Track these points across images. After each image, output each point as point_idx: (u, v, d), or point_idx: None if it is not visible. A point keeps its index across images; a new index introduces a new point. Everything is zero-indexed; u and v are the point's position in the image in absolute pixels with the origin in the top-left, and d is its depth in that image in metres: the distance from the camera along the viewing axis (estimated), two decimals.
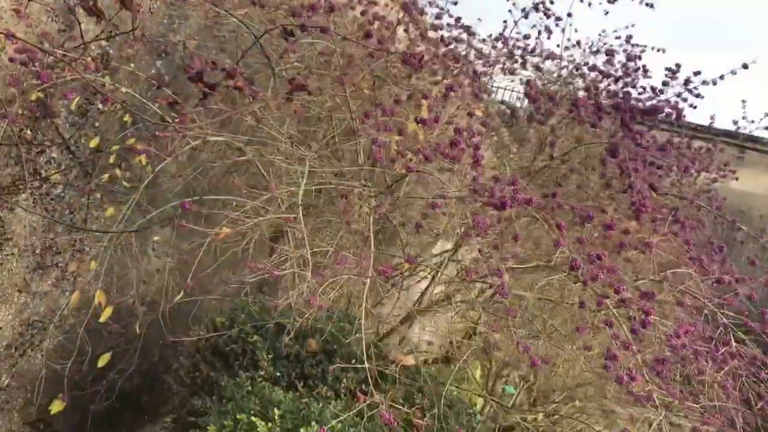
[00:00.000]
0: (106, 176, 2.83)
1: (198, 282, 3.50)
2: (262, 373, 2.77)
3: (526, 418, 3.73)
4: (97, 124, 3.01)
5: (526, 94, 2.83)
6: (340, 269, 2.15)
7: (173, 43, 3.24)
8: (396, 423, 1.94)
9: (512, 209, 2.18)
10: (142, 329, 3.23)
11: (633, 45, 4.32)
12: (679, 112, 3.08)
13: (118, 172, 2.94)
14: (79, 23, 2.69)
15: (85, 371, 3.11)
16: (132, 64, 3.06)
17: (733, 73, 3.27)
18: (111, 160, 2.80)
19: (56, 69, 2.59)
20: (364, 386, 2.47)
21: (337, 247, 2.33)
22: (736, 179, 3.83)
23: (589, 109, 2.75)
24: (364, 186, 2.60)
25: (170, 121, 2.59)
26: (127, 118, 2.98)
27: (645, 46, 4.40)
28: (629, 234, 2.60)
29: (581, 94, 3.28)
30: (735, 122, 4.06)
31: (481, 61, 3.38)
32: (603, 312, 2.27)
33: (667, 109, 2.86)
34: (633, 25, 4.28)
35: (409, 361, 3.06)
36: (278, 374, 2.76)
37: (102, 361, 2.95)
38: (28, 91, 2.61)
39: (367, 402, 2.00)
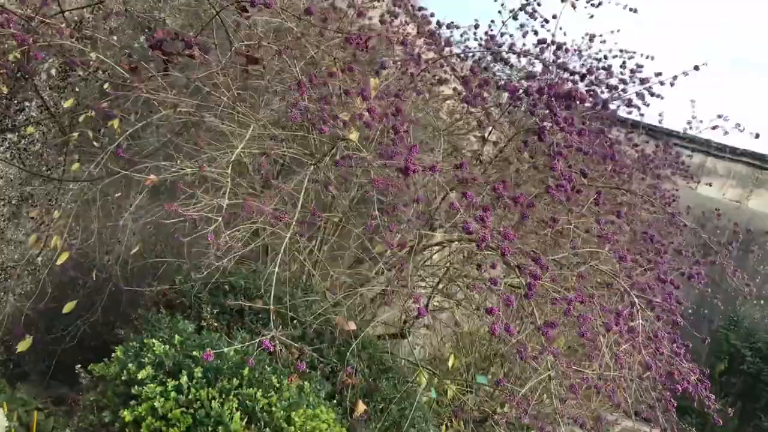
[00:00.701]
0: (75, 135, 3.08)
1: (168, 244, 3.73)
2: (204, 324, 2.96)
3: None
4: (77, 89, 3.27)
5: (463, 78, 2.95)
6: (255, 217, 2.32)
7: (156, 20, 3.48)
8: (281, 351, 2.11)
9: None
10: (108, 282, 3.47)
11: (621, 51, 4.42)
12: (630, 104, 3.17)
13: (90, 133, 3.20)
14: None
15: (52, 318, 3.36)
16: (114, 37, 3.32)
17: (685, 74, 3.35)
18: (81, 120, 3.05)
19: (36, 34, 2.87)
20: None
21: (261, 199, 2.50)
22: (698, 184, 3.90)
23: (523, 96, 2.87)
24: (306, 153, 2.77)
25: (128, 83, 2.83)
26: (107, 86, 3.24)
27: (633, 52, 4.49)
28: (555, 221, 2.71)
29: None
30: (688, 122, 4.11)
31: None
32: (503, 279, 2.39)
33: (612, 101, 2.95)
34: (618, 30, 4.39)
35: (350, 326, 3.20)
36: (217, 324, 2.94)
37: (67, 308, 3.20)
38: (7, 51, 2.88)
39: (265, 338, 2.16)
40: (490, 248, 2.34)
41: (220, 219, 2.23)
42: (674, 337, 2.80)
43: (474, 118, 3.15)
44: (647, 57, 4.44)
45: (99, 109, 3.05)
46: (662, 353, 2.47)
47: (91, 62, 3.08)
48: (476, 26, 4.48)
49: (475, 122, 3.18)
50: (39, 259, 3.39)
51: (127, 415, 1.98)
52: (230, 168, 2.48)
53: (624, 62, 4.23)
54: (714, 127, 3.90)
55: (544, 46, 3.79)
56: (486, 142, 3.04)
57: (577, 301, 2.33)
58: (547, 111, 2.80)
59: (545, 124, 2.88)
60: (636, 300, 2.55)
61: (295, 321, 2.82)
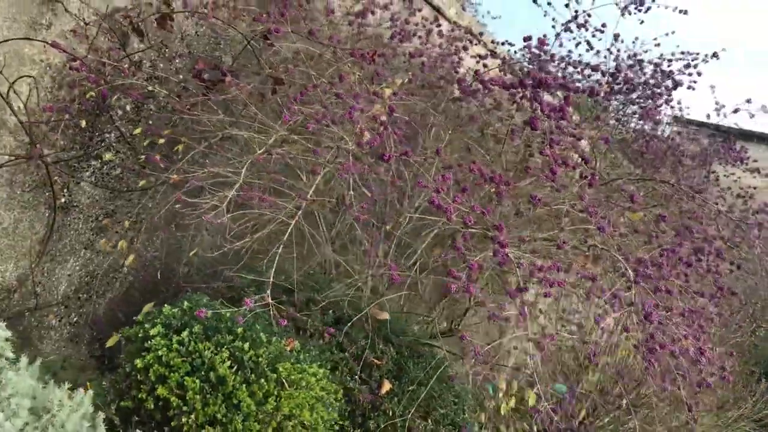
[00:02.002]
0: (142, 157, 3.66)
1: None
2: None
3: None
4: (150, 121, 3.88)
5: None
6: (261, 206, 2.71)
7: (214, 57, 4.05)
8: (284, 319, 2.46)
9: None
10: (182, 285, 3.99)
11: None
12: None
13: (158, 156, 3.78)
14: (124, 41, 3.58)
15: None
16: (180, 75, 3.92)
17: (705, 61, 3.39)
18: (146, 143, 3.63)
19: (108, 75, 3.50)
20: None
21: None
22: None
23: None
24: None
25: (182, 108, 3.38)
26: (174, 116, 3.82)
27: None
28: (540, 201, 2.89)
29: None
30: (716, 108, 4.03)
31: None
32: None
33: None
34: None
35: (383, 316, 3.49)
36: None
37: (146, 309, 3.74)
38: (86, 92, 3.52)
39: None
40: (462, 223, 2.58)
41: (223, 207, 2.64)
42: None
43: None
44: (705, 57, 4.42)
45: (164, 135, 3.60)
46: None
47: (158, 96, 3.67)
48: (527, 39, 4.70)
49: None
50: (125, 268, 3.99)
51: (139, 363, 2.40)
52: (245, 168, 2.90)
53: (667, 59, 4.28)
54: (736, 110, 3.82)
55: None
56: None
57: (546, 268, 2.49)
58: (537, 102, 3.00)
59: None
60: (631, 274, 2.66)
61: (315, 304, 3.16)
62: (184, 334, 2.44)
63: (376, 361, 3.33)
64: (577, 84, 3.27)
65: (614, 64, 4.19)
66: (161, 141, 3.64)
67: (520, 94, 3.05)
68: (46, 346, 3.71)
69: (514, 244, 2.67)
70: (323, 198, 2.80)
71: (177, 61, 3.93)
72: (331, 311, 3.49)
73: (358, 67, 3.33)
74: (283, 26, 3.18)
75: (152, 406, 2.35)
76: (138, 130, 3.69)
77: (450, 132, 3.16)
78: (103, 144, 3.71)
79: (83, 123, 3.53)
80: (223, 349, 2.42)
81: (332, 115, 2.82)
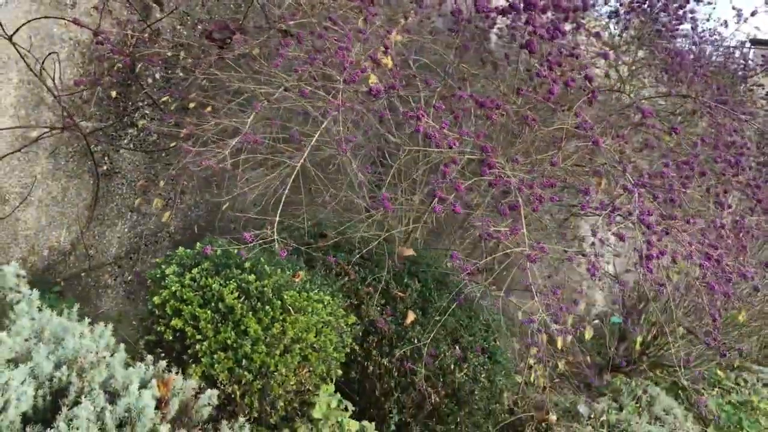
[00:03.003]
0: (171, 121, 3.89)
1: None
2: None
3: None
4: (180, 87, 4.09)
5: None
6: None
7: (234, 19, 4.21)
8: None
9: None
10: None
11: None
12: None
13: (188, 119, 4.00)
14: (146, 13, 3.79)
15: None
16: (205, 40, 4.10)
17: None
18: (172, 108, 3.85)
19: (131, 47, 3.73)
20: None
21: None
22: None
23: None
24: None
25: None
26: (205, 82, 4.02)
27: None
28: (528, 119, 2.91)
29: None
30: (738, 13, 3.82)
31: None
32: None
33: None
34: None
35: (408, 252, 3.60)
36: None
37: None
38: (113, 64, 3.77)
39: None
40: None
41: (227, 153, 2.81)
42: None
43: None
44: None
45: (191, 99, 3.81)
46: None
47: (179, 61, 3.88)
48: None
49: None
50: (171, 227, 4.26)
51: (156, 299, 2.62)
52: (250, 119, 3.05)
53: None
54: (754, 13, 3.62)
55: None
56: None
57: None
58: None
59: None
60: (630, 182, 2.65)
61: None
62: (195, 270, 2.63)
63: (399, 294, 3.44)
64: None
65: None
66: (191, 105, 3.85)
67: (519, 19, 3.05)
68: (104, 303, 4.04)
69: (509, 167, 2.70)
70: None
71: (200, 26, 4.12)
72: (357, 251, 3.62)
73: (357, 11, 3.40)
74: None
75: (171, 338, 2.56)
76: (165, 98, 3.91)
77: (454, 65, 3.20)
78: (137, 112, 3.96)
79: (113, 93, 3.78)
80: (231, 281, 2.60)
81: (326, 59, 2.92)
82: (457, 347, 3.50)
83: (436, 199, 2.49)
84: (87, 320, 2.37)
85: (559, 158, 2.78)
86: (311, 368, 2.64)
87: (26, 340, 1.97)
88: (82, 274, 3.92)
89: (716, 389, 5.21)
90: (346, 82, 2.66)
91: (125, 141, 3.95)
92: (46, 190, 3.69)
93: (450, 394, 3.43)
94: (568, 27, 3.32)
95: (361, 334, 3.39)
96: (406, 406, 3.42)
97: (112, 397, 1.95)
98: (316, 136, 2.98)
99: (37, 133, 3.57)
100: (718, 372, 5.80)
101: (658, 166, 3.05)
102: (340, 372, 2.87)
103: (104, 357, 2.00)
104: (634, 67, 4.05)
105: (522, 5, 2.90)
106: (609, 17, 4.08)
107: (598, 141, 2.69)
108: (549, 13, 3.25)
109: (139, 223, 4.12)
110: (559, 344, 4.71)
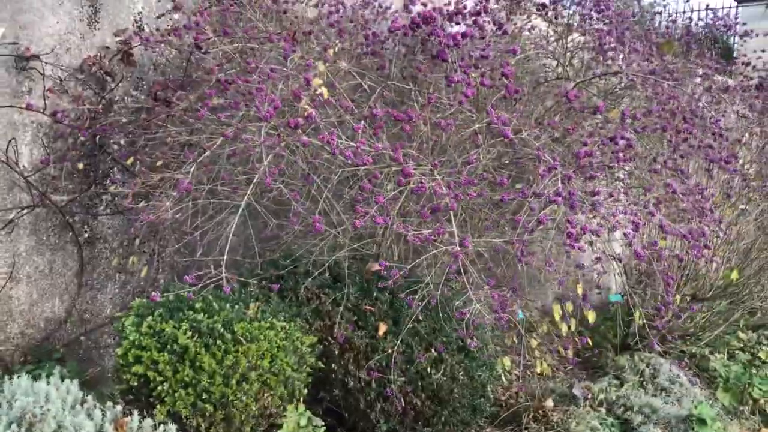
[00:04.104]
0: (140, 180, 4.12)
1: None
2: None
3: None
4: (145, 148, 4.34)
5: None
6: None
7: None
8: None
9: None
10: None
11: None
12: None
13: (153, 175, 4.23)
14: (102, 85, 4.05)
15: None
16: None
17: None
18: (136, 168, 4.09)
19: (87, 119, 3.99)
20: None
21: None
22: None
23: None
24: None
25: None
26: (169, 139, 4.26)
27: None
28: None
29: None
30: None
31: None
32: None
33: None
34: None
35: (375, 267, 3.74)
36: None
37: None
38: (75, 138, 4.02)
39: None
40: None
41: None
42: None
43: None
44: None
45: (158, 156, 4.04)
46: None
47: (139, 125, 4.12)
48: None
49: None
50: (161, 279, 4.47)
51: (119, 350, 2.82)
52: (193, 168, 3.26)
53: None
54: None
55: None
56: None
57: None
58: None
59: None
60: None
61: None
62: (150, 318, 2.82)
63: (369, 308, 3.58)
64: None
65: None
66: (159, 162, 4.08)
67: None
68: (107, 361, 4.26)
69: (430, 174, 2.83)
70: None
71: (153, 89, 4.36)
72: (327, 273, 3.77)
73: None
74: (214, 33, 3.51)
75: (136, 383, 2.75)
76: (130, 160, 4.15)
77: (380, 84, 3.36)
78: (107, 178, 4.21)
79: (80, 165, 4.03)
80: (183, 323, 2.78)
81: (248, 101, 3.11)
82: (432, 350, 3.61)
83: (357, 213, 2.63)
84: (53, 379, 2.57)
85: (478, 156, 2.90)
86: (272, 392, 2.79)
87: None
88: (81, 338, 4.16)
89: (721, 354, 5.18)
90: (264, 119, 2.84)
91: (101, 207, 4.19)
92: (33, 266, 3.95)
93: (430, 396, 3.53)
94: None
95: (337, 352, 3.53)
96: (392, 414, 3.53)
97: None
98: (257, 175, 3.16)
99: (14, 214, 3.83)
100: (739, 334, 5.76)
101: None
102: (305, 392, 3.02)
103: (48, 410, 2.19)
104: (569, 54, 4.15)
105: (421, 20, 3.05)
106: (537, 10, 4.20)
107: (507, 134, 2.80)
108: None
109: (128, 281, 4.35)
110: (563, 330, 4.77)
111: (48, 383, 2.63)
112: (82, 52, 3.99)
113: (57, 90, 3.93)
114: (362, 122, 3.05)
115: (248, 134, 3.10)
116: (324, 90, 3.30)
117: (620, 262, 5.27)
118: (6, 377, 2.52)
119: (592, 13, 4.19)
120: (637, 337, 5.13)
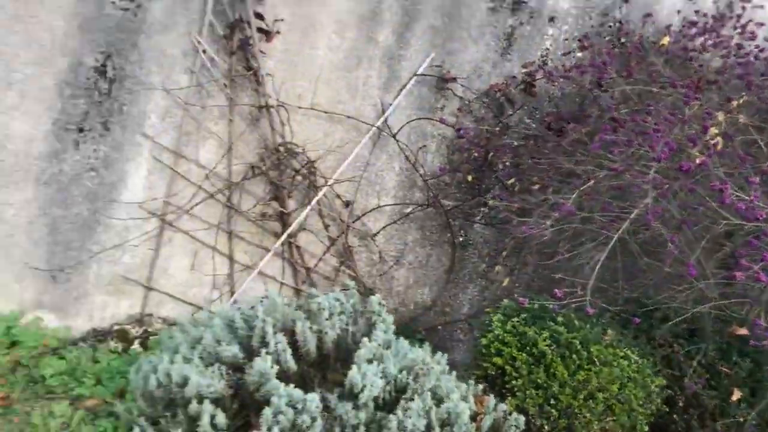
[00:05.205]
0: (516, 201, 4.50)
1: None
2: None
3: None
4: (525, 172, 4.73)
5: None
6: None
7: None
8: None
9: None
10: None
11: None
12: None
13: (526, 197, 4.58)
14: (501, 110, 4.54)
15: None
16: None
17: None
18: (516, 188, 4.48)
19: (485, 139, 4.51)
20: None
21: None
22: None
23: None
24: None
25: None
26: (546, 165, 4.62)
27: None
28: None
29: None
30: None
31: None
32: None
33: None
34: None
35: (741, 331, 3.62)
36: None
37: None
38: (470, 154, 4.57)
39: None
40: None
41: None
42: None
43: None
44: None
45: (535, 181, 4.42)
46: None
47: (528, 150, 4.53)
48: None
49: None
50: (515, 293, 4.83)
51: (484, 340, 3.18)
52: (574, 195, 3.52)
53: None
54: None
55: None
56: None
57: None
58: None
59: None
60: None
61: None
62: (515, 319, 3.14)
63: (726, 369, 3.47)
64: None
65: None
66: (535, 186, 4.45)
67: None
68: (455, 355, 4.74)
69: None
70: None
71: (547, 119, 4.74)
72: (684, 325, 3.73)
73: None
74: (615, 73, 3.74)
75: (493, 373, 3.09)
76: (512, 181, 4.57)
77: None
78: (488, 193, 4.69)
79: (469, 178, 4.57)
80: (544, 331, 3.04)
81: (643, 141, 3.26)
82: None
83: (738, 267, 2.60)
84: (428, 346, 3.03)
85: None
86: (615, 418, 2.90)
87: (379, 345, 2.67)
88: (439, 327, 4.70)
89: None
90: (657, 160, 2.96)
91: (478, 217, 4.69)
92: (414, 255, 4.59)
93: None
94: None
95: (681, 404, 3.49)
96: None
97: (438, 401, 2.52)
98: (636, 210, 3.29)
99: (410, 209, 4.49)
100: None
101: None
102: (646, 429, 3.05)
103: (433, 368, 2.60)
104: None
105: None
106: None
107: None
108: None
109: (487, 287, 4.79)
110: None
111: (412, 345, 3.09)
112: (490, 78, 4.50)
113: (464, 110, 4.50)
114: (758, 177, 2.99)
115: (635, 171, 3.24)
116: (720, 140, 3.31)
117: None
118: (394, 337, 3.03)
119: None
120: None
